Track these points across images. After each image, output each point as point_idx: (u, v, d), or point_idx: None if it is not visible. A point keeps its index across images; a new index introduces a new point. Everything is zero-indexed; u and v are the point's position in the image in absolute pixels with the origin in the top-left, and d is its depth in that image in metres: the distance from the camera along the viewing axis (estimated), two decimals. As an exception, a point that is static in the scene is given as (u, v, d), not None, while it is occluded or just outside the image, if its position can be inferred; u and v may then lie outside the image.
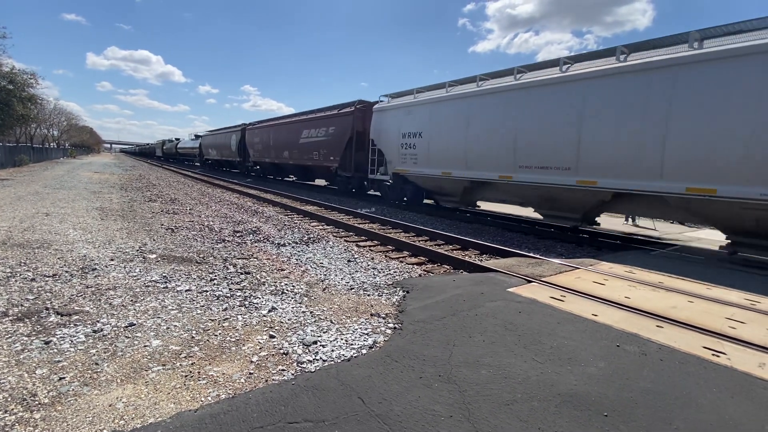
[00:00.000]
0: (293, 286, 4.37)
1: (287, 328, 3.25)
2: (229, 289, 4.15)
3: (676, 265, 5.83)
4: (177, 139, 53.87)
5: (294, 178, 23.96)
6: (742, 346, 3.03)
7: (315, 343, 2.98)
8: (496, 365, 2.61)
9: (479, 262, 5.73)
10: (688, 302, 4.04)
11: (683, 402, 2.26)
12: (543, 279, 4.65)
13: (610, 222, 12.17)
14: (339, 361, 2.72)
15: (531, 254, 6.28)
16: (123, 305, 3.54)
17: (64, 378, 2.39)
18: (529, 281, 4.59)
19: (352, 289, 4.44)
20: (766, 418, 2.14)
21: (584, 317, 3.49)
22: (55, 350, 2.71)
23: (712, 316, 3.64)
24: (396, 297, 4.14)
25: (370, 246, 7.07)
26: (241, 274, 4.72)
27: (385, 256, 6.39)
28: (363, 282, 4.71)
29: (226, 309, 3.60)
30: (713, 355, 2.86)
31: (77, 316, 3.25)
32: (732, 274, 5.41)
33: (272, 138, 21.61)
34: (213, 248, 5.97)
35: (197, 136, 39.90)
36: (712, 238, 9.24)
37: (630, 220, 12.40)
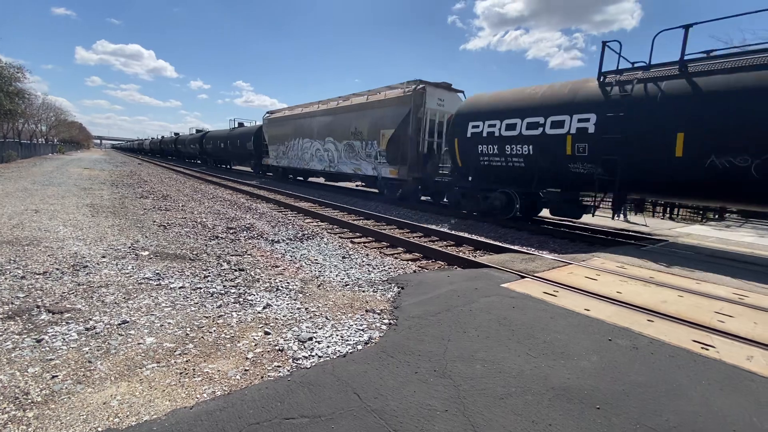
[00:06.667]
0: (288, 282, 4.36)
1: (282, 325, 3.25)
2: (224, 286, 4.13)
3: (666, 260, 5.92)
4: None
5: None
6: (731, 340, 3.09)
7: (310, 339, 2.99)
8: (490, 360, 2.64)
9: (473, 258, 5.76)
10: (678, 297, 4.11)
11: (673, 394, 2.31)
12: (536, 274, 4.69)
13: (600, 218, 12.28)
14: (334, 357, 2.72)
15: (524, 250, 6.33)
16: (116, 303, 3.51)
17: (56, 376, 2.37)
18: (523, 277, 4.63)
19: (347, 285, 4.44)
20: (753, 410, 2.19)
21: (577, 312, 3.53)
22: (48, 348, 2.68)
23: (702, 310, 3.70)
24: (391, 293, 4.15)
25: (364, 242, 7.07)
26: (235, 271, 4.70)
27: (380, 252, 6.39)
28: (358, 278, 4.71)
29: (220, 306, 3.59)
30: (702, 348, 2.92)
31: (69, 314, 3.21)
32: (721, 269, 5.50)
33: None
34: (206, 245, 5.93)
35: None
36: (701, 234, 9.38)
37: (621, 216, 12.52)
